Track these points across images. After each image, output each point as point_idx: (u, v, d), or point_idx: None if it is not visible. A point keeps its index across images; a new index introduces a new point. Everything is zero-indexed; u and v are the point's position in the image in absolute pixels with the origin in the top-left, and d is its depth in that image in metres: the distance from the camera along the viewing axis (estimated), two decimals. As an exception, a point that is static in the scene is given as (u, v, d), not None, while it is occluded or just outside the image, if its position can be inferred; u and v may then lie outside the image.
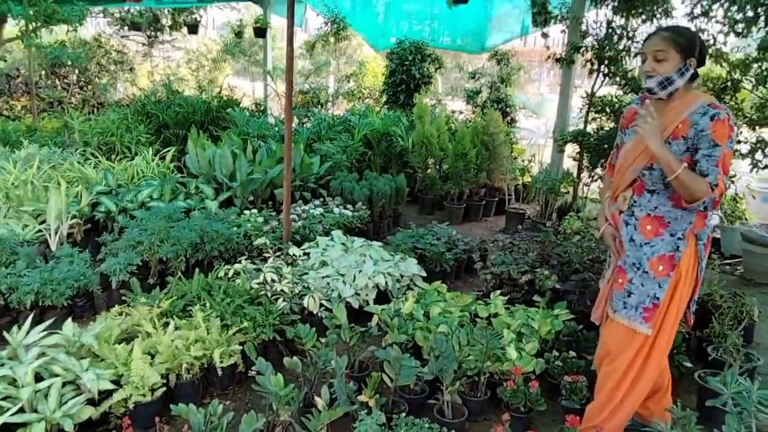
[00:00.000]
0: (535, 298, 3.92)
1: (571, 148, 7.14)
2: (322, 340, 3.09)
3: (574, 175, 6.90)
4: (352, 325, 3.34)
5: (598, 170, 6.66)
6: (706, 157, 2.28)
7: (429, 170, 7.57)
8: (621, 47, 6.38)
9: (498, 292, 4.03)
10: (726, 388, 2.59)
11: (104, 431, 2.64)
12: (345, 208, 5.96)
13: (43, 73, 11.04)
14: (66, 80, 11.47)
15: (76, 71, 11.51)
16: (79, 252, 4.22)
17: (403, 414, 2.64)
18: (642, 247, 2.49)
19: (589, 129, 6.86)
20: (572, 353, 3.33)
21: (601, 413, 2.64)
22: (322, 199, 6.25)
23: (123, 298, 3.75)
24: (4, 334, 2.94)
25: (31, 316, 3.13)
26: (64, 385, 2.70)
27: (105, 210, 5.21)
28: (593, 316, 2.86)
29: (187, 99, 8.57)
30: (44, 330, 3.04)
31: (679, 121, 2.36)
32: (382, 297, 4.16)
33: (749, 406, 2.49)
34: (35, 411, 2.53)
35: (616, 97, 6.60)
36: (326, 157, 7.05)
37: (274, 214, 5.53)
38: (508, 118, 9.16)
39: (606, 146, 6.29)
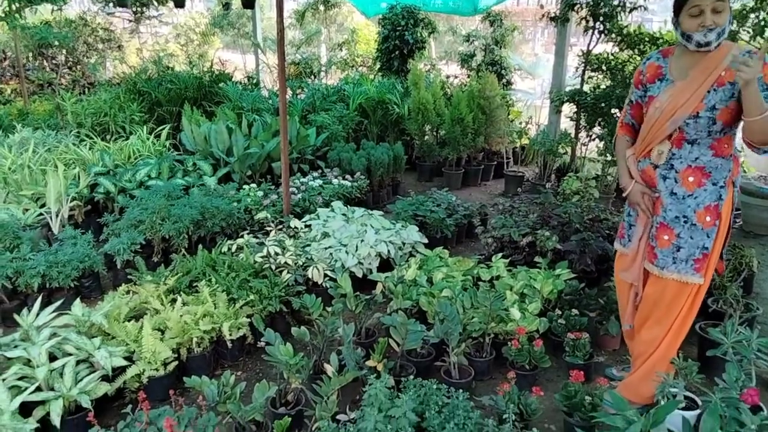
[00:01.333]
0: (537, 259, 3.96)
1: (568, 108, 7.10)
2: (328, 309, 3.14)
3: (572, 135, 6.88)
4: (357, 293, 3.38)
5: (596, 129, 6.63)
6: (765, 98, 2.24)
7: (426, 137, 7.54)
8: (616, 3, 6.28)
9: (499, 255, 4.07)
10: (726, 337, 2.65)
11: (120, 406, 2.69)
12: (344, 178, 5.95)
13: (30, 54, 10.86)
14: (54, 61, 11.29)
15: (64, 51, 11.32)
16: (82, 233, 4.24)
17: (411, 376, 2.70)
18: (685, 199, 2.48)
19: (585, 88, 6.81)
20: (575, 311, 3.38)
21: (647, 379, 2.63)
22: (320, 171, 6.24)
23: (129, 277, 3.79)
24: (15, 316, 2.98)
25: (39, 299, 3.17)
26: (77, 363, 2.75)
27: (104, 191, 5.21)
28: (624, 278, 2.80)
29: (178, 75, 8.45)
30: (53, 311, 3.09)
31: (722, 68, 2.33)
32: (385, 265, 4.20)
33: (749, 354, 2.56)
34: (52, 389, 2.59)
35: (612, 54, 6.53)
36: (322, 128, 7.01)
37: (273, 187, 5.54)
38: (504, 80, 9.05)
39: (603, 105, 6.26)
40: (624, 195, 2.75)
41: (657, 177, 2.56)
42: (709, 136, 2.41)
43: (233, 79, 9.08)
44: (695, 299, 2.57)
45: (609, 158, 6.21)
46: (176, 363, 2.98)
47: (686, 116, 2.41)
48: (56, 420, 2.44)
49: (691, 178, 2.46)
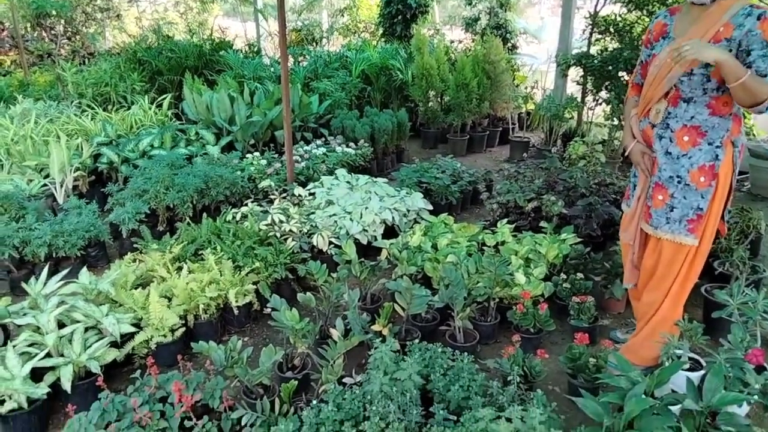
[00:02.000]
0: (542, 224, 3.94)
1: (575, 72, 6.96)
2: (333, 275, 3.14)
3: (578, 99, 6.77)
4: (362, 260, 3.39)
5: (603, 93, 6.52)
6: (763, 57, 2.19)
7: (430, 103, 7.44)
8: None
9: (505, 220, 4.05)
10: (732, 299, 2.64)
11: (129, 371, 2.73)
12: (347, 146, 5.91)
13: (29, 25, 10.72)
14: (53, 31, 11.15)
15: (62, 21, 11.17)
16: (87, 203, 4.24)
17: (416, 341, 2.72)
18: (680, 159, 2.45)
19: (592, 51, 6.67)
20: (580, 275, 3.38)
21: (649, 341, 2.65)
22: (323, 139, 6.19)
23: (134, 246, 3.81)
24: (23, 285, 3.00)
25: (46, 268, 3.19)
26: (86, 330, 2.78)
27: (107, 161, 5.19)
28: (623, 238, 2.82)
29: (178, 44, 8.34)
30: (61, 280, 3.11)
31: (721, 24, 2.27)
32: (390, 232, 4.19)
33: (755, 315, 2.55)
34: (62, 356, 2.62)
35: (620, 15, 6.37)
36: (325, 96, 6.93)
37: (276, 156, 5.50)
38: (509, 44, 8.90)
39: (610, 68, 6.13)
40: (625, 155, 2.72)
41: (654, 136, 2.54)
42: (705, 94, 2.36)
43: (234, 47, 8.95)
44: (694, 262, 2.55)
45: (616, 122, 6.12)
46: (183, 329, 3.00)
47: (680, 74, 2.37)
48: (67, 385, 2.47)
49: (685, 138, 2.42)
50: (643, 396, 2.05)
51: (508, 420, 1.94)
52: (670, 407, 2.06)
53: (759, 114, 2.33)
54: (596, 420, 2.03)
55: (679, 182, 2.47)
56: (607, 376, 2.26)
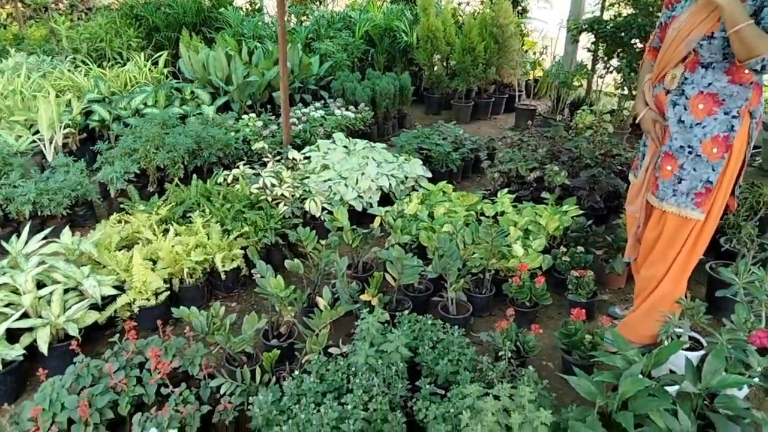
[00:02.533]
0: (544, 195, 3.80)
1: (586, 39, 6.69)
2: (324, 242, 3.03)
3: (588, 67, 6.53)
4: (354, 227, 3.27)
5: (614, 61, 6.27)
6: None
7: (435, 67, 7.20)
8: None
9: (505, 190, 3.91)
10: (738, 278, 2.52)
11: (112, 334, 2.65)
12: (347, 109, 5.73)
13: (25, -24, 10.40)
14: (50, -16, 10.82)
15: (60, -27, 10.83)
16: (75, 161, 4.12)
17: (407, 311, 2.63)
18: (693, 128, 2.30)
19: (605, 16, 6.39)
20: (580, 248, 3.26)
21: (647, 318, 2.55)
22: (323, 101, 6.01)
23: (122, 206, 3.69)
24: (3, 243, 2.91)
25: (28, 226, 3.09)
26: (66, 292, 2.69)
27: (99, 118, 5.04)
28: (629, 210, 2.70)
29: (176, -1, 8.07)
30: (44, 239, 3.01)
31: None
32: (386, 199, 4.07)
33: (761, 295, 2.43)
34: (40, 317, 2.54)
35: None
36: (326, 57, 6.70)
37: (273, 118, 5.34)
38: (519, 8, 8.54)
39: (623, 35, 5.87)
40: (636, 121, 2.57)
41: (667, 103, 2.39)
42: (726, 59, 2.21)
43: (234, 4, 8.66)
44: (699, 237, 2.43)
45: (626, 92, 5.90)
46: (168, 293, 2.92)
47: (701, 37, 2.21)
48: (43, 347, 2.40)
49: (701, 106, 2.28)
50: (640, 376, 1.96)
51: (496, 398, 1.85)
52: (667, 387, 1.97)
53: (754, 71, 2.17)
54: (589, 399, 1.94)
55: (690, 152, 2.33)
56: (602, 354, 2.16)
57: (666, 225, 2.46)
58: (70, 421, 1.95)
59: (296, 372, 2.16)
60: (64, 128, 4.75)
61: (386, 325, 2.43)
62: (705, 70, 2.27)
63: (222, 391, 2.14)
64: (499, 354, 2.27)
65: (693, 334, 2.51)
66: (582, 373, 2.01)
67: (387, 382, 2.10)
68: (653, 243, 2.54)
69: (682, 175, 2.36)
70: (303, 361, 2.31)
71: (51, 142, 4.62)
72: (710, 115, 2.27)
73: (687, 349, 2.44)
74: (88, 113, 5.12)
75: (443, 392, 2.11)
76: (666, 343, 2.31)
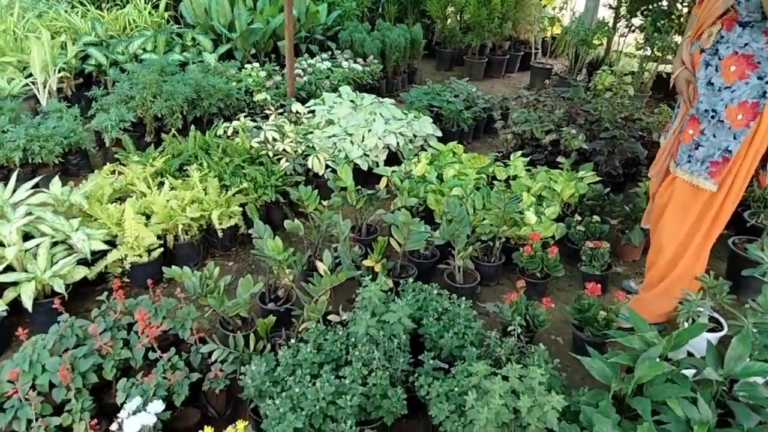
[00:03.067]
0: (559, 159, 3.61)
1: (609, -6, 6.35)
2: (326, 202, 2.88)
3: (610, 25, 6.20)
4: (359, 187, 3.10)
5: (637, 20, 5.94)
6: None
7: (448, 20, 6.88)
8: None
9: (519, 153, 3.71)
10: (766, 256, 2.36)
11: (102, 290, 2.53)
12: (355, 62, 5.47)
13: None
14: None
15: None
16: (69, 107, 3.92)
17: (411, 279, 2.49)
18: (721, 91, 2.12)
19: (632, -30, 6.01)
20: (596, 218, 3.09)
21: (664, 296, 2.41)
22: (330, 53, 5.73)
23: (117, 156, 3.53)
24: (-12, 192, 2.76)
25: (15, 174, 2.94)
26: (54, 245, 2.56)
27: (95, 63, 4.82)
28: (651, 172, 2.55)
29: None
30: (33, 188, 2.86)
31: None
32: (393, 158, 3.88)
33: (790, 276, 2.28)
34: (25, 271, 2.41)
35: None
36: (334, 5, 6.38)
37: (277, 68, 5.10)
38: (540, -40, 8.12)
39: (650, -10, 5.54)
40: (671, 80, 2.38)
41: (700, 63, 2.20)
42: (765, 19, 2.00)
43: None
44: (719, 213, 2.26)
45: (648, 53, 5.60)
46: (162, 250, 2.78)
47: None
48: (27, 303, 2.28)
49: (732, 68, 2.08)
50: (657, 360, 1.83)
51: (505, 378, 1.73)
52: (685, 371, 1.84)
53: None
54: (603, 382, 1.81)
55: (713, 117, 2.14)
56: (618, 333, 2.02)
57: (675, 191, 2.31)
58: (51, 385, 1.84)
59: (292, 340, 2.04)
60: (59, 72, 4.54)
61: (389, 293, 2.30)
62: (742, 29, 2.06)
63: (213, 358, 2.03)
64: (509, 329, 2.14)
65: (712, 313, 2.37)
66: (596, 353, 1.89)
67: (388, 354, 1.98)
68: (662, 209, 2.39)
69: (701, 140, 2.19)
70: (300, 329, 2.19)
71: (45, 86, 4.42)
72: (742, 78, 2.08)
73: (707, 330, 2.30)
74: (84, 57, 4.89)
75: (447, 367, 2.00)
76: (685, 324, 2.17)
